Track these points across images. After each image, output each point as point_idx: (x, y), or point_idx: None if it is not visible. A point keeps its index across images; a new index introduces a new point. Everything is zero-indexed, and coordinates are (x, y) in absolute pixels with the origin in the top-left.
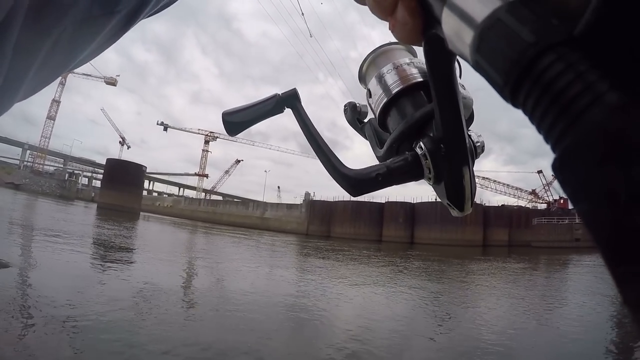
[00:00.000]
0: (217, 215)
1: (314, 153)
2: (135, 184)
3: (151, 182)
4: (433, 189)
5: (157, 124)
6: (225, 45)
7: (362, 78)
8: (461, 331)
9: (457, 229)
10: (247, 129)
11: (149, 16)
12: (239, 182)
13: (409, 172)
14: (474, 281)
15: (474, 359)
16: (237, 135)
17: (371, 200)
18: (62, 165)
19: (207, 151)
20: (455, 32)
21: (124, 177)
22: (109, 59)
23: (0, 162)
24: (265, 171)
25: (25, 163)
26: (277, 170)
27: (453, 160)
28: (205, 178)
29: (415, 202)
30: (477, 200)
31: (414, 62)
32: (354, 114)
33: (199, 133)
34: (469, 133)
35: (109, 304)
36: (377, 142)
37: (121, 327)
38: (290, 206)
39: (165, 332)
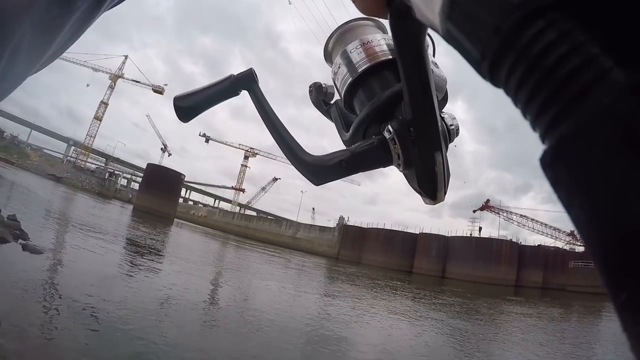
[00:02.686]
0: (249, 230)
1: (351, 177)
2: (173, 191)
3: (188, 191)
4: (403, 176)
5: (199, 135)
6: (270, 63)
7: (328, 56)
8: None
9: (490, 266)
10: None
11: (111, 7)
12: (275, 200)
13: (375, 158)
14: (503, 325)
15: None
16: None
17: (405, 230)
18: (103, 164)
19: (246, 166)
20: None
21: (162, 182)
22: (157, 69)
23: (45, 153)
24: (302, 192)
25: (68, 158)
26: (313, 191)
27: (424, 145)
28: (241, 192)
29: (449, 235)
30: (513, 238)
31: (384, 38)
32: (319, 95)
33: (239, 148)
34: (443, 115)
35: (130, 301)
36: (343, 125)
37: (138, 322)
38: (323, 229)
39: (179, 339)
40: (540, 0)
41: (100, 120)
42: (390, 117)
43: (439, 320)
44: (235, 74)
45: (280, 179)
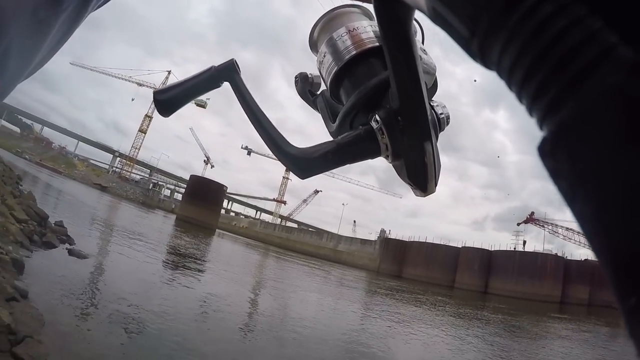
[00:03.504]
0: (290, 242)
1: (392, 189)
2: (215, 202)
3: (230, 202)
4: (393, 167)
5: (242, 147)
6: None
7: (314, 45)
8: None
9: (534, 282)
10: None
11: (97, 8)
12: (316, 212)
13: (363, 149)
14: (547, 344)
15: None
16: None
17: (447, 244)
18: (147, 175)
19: (288, 179)
20: None
21: (205, 193)
22: None
23: (91, 164)
24: (343, 204)
25: (113, 168)
26: (355, 204)
27: (412, 134)
28: (283, 204)
29: (492, 249)
30: (558, 252)
31: (371, 25)
32: (305, 85)
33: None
34: (432, 104)
35: (169, 307)
36: (329, 116)
37: (174, 330)
38: (364, 241)
39: (216, 345)
40: None
41: (145, 133)
42: (378, 106)
43: (480, 337)
44: (216, 65)
45: (321, 191)
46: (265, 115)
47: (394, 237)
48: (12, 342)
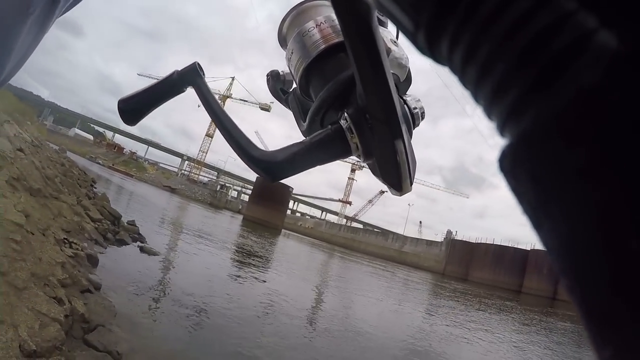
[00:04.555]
0: (355, 242)
1: (459, 189)
2: (281, 203)
3: (296, 203)
4: (367, 167)
5: None
6: None
7: (283, 41)
8: None
9: None
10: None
11: (65, 12)
12: (381, 213)
13: (333, 149)
14: None
15: None
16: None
17: (515, 246)
18: (215, 177)
19: (353, 179)
20: None
21: (271, 195)
22: (262, 87)
23: (161, 167)
24: (409, 204)
25: (182, 171)
26: (420, 204)
27: (382, 133)
28: (348, 205)
29: None
30: None
31: None
32: (276, 83)
33: (345, 161)
34: (405, 98)
35: (234, 302)
36: (301, 115)
37: (238, 324)
38: (430, 243)
39: (278, 343)
40: None
41: (212, 137)
42: (348, 103)
43: (545, 346)
44: (179, 69)
45: (386, 191)
46: (230, 118)
47: (460, 239)
48: (85, 330)
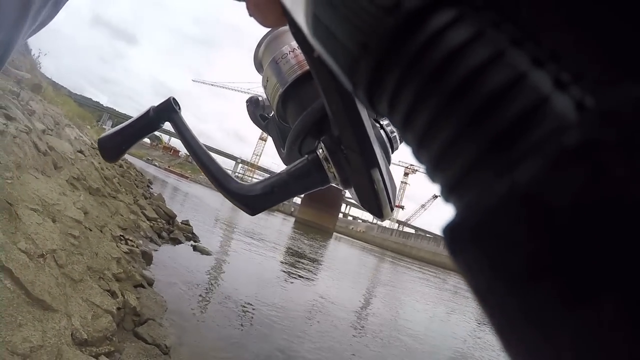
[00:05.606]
0: (406, 247)
1: None
2: (333, 206)
3: (348, 206)
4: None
5: None
6: None
7: (259, 65)
8: None
9: None
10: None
11: None
12: (435, 218)
13: (311, 179)
14: None
15: None
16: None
17: None
18: None
19: (406, 183)
20: (291, 4)
21: (323, 198)
22: None
23: None
24: None
25: (236, 174)
26: None
27: (356, 163)
28: (400, 209)
29: None
30: None
31: None
32: (256, 109)
33: (399, 165)
34: (382, 122)
35: (282, 303)
36: (280, 142)
37: (285, 325)
38: None
39: (325, 341)
40: None
41: (265, 141)
42: (325, 131)
43: None
44: (155, 105)
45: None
46: (207, 153)
47: None
48: (135, 323)
